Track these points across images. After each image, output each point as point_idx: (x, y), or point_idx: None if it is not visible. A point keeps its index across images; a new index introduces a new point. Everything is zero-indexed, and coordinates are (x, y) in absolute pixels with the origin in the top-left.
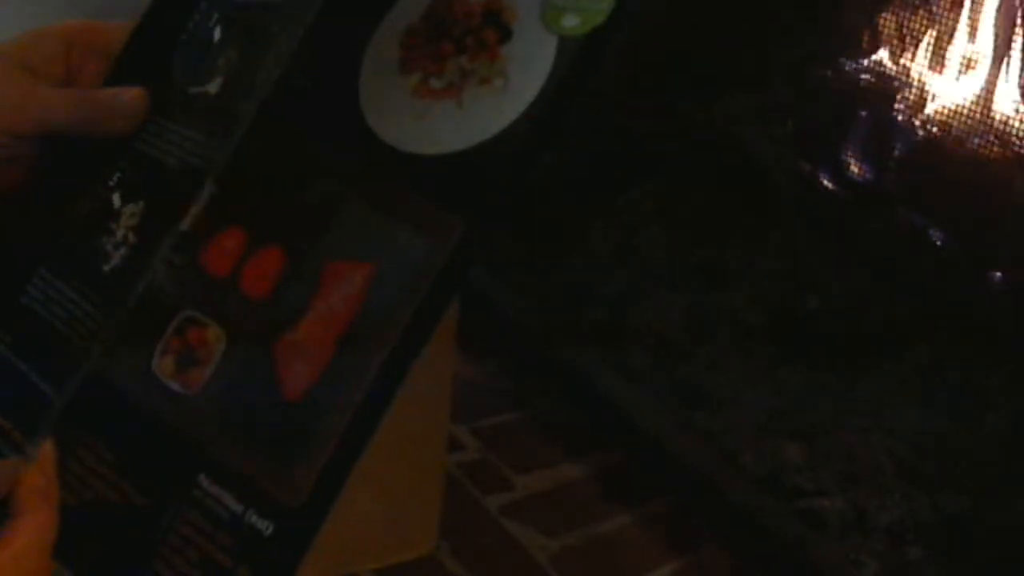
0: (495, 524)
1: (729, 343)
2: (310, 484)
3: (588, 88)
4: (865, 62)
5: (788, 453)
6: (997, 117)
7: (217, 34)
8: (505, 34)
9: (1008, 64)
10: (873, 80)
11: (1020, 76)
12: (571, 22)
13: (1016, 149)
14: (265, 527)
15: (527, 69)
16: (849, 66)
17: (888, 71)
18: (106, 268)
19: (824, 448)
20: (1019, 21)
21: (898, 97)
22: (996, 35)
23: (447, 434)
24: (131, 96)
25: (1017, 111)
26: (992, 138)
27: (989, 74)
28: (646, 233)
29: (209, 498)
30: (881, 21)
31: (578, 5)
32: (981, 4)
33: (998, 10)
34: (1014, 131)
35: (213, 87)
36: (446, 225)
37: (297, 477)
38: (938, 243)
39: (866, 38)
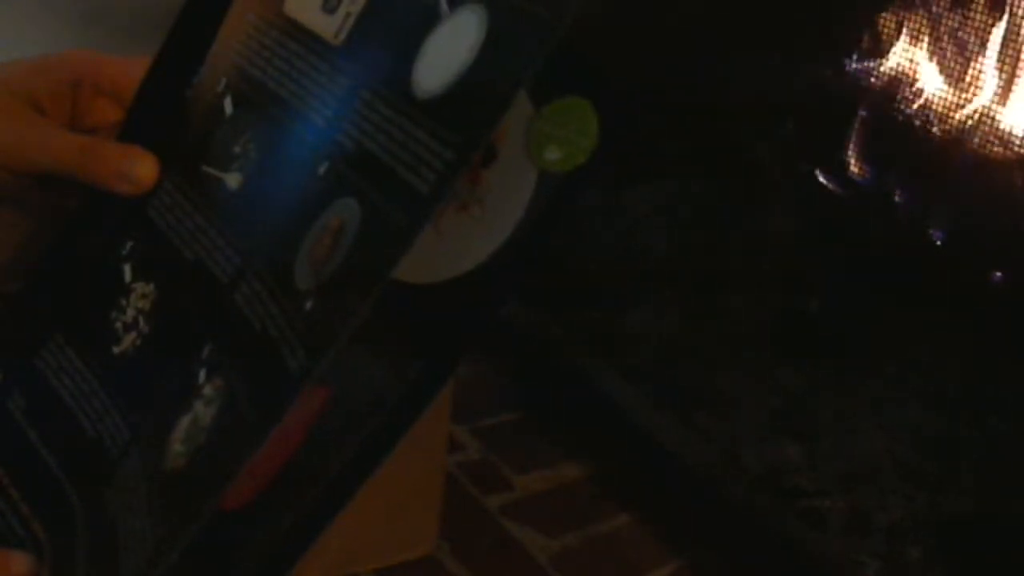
0: (495, 524)
1: (729, 343)
2: None
3: (561, 225)
4: (865, 62)
5: (788, 453)
6: (998, 116)
7: (228, 107)
8: (490, 154)
9: (1009, 63)
10: (873, 80)
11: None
12: (553, 155)
13: (1017, 149)
14: None
15: (505, 200)
16: (849, 66)
17: (888, 71)
18: (116, 350)
19: (824, 448)
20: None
21: (898, 97)
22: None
23: (447, 434)
24: (143, 166)
25: (1018, 110)
26: (993, 137)
27: (990, 73)
28: (646, 233)
29: None
30: (881, 21)
31: (563, 136)
32: (981, 3)
33: (998, 9)
34: (1015, 130)
35: (232, 180)
36: (407, 361)
37: None
38: (938, 243)
39: (866, 38)
